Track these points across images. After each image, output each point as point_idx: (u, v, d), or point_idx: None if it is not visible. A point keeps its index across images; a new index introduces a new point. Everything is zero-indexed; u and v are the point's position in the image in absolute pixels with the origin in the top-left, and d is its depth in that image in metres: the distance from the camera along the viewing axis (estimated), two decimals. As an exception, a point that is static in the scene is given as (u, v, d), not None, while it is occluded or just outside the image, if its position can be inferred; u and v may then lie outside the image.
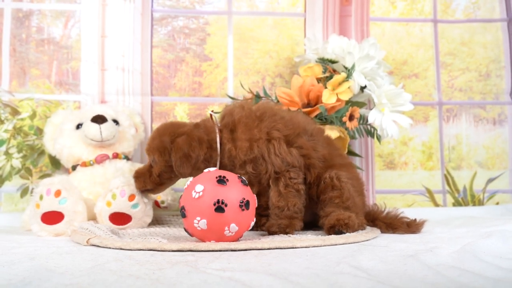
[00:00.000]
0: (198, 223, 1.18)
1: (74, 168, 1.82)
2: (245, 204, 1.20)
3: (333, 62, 1.88)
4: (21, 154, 1.98)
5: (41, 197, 1.49)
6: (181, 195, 1.25)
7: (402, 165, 2.15)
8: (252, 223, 1.26)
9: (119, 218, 1.54)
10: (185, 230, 1.25)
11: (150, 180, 1.48)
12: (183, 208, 1.21)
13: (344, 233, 1.35)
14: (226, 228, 1.18)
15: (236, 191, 1.21)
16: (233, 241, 1.21)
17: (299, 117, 1.50)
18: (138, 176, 1.50)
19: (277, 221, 1.39)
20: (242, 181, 1.24)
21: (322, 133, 1.56)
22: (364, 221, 1.48)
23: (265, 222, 1.48)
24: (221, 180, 1.20)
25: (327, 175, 1.44)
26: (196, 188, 1.19)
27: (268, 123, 1.41)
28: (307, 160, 1.45)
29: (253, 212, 1.25)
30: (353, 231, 1.37)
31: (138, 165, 1.89)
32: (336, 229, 1.36)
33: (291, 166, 1.41)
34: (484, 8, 2.22)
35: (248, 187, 1.26)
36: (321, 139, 1.51)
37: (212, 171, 1.25)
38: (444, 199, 2.14)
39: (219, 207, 1.17)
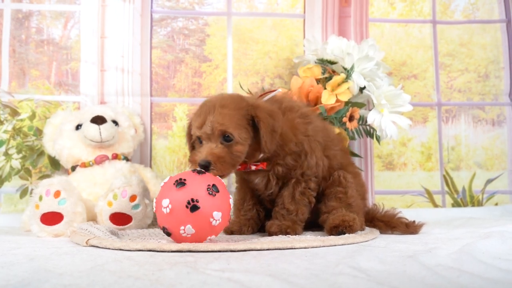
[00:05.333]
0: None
1: (73, 168, 1.82)
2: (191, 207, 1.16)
3: (332, 63, 1.88)
4: (20, 155, 1.98)
5: (40, 198, 1.49)
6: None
7: (401, 166, 2.15)
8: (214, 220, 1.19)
9: (120, 219, 1.54)
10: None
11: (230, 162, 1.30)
12: (164, 228, 1.21)
13: (345, 233, 1.36)
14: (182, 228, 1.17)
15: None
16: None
17: (328, 127, 1.56)
18: (222, 159, 1.27)
19: (280, 222, 1.40)
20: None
21: (341, 142, 1.62)
22: (364, 222, 1.50)
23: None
24: (181, 183, 1.18)
25: (335, 173, 1.48)
26: (163, 203, 1.18)
27: (313, 126, 1.44)
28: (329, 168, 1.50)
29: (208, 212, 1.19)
30: (354, 233, 1.38)
31: (138, 166, 1.89)
32: (339, 229, 1.36)
33: (314, 175, 1.43)
34: (483, 9, 2.22)
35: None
36: (340, 147, 1.56)
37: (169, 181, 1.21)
38: (443, 199, 2.14)
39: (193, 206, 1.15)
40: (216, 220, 1.18)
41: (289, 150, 1.38)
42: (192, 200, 1.15)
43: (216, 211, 1.18)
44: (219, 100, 1.30)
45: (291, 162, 1.40)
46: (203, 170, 1.23)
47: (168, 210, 1.16)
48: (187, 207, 1.15)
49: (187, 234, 1.17)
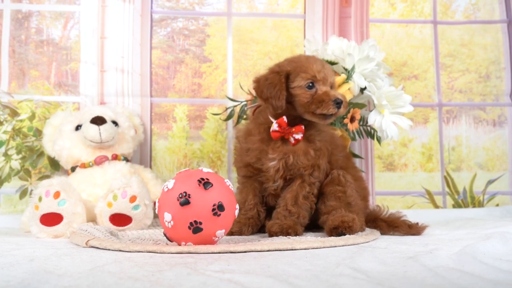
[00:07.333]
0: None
1: (73, 169, 1.82)
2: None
3: (332, 63, 1.88)
4: (20, 156, 1.97)
5: (40, 199, 1.49)
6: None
7: (402, 167, 2.15)
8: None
9: (120, 219, 1.54)
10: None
11: None
12: (165, 235, 1.20)
13: (345, 234, 1.35)
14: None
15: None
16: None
17: (334, 134, 1.62)
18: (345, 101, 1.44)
19: (281, 222, 1.41)
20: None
21: (345, 149, 1.66)
22: (364, 223, 1.50)
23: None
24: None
25: (334, 172, 1.50)
26: (165, 217, 1.16)
27: (324, 134, 1.51)
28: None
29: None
30: (353, 233, 1.37)
31: (138, 167, 1.89)
32: (339, 230, 1.36)
33: (318, 180, 1.47)
34: (484, 10, 2.22)
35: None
36: (343, 154, 1.59)
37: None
38: (444, 200, 2.14)
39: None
40: (218, 237, 1.18)
41: (320, 130, 1.49)
42: (195, 222, 1.13)
43: (220, 230, 1.17)
44: (314, 57, 1.49)
45: (318, 145, 1.46)
46: (211, 183, 1.15)
47: (170, 225, 1.15)
48: (189, 228, 1.13)
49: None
